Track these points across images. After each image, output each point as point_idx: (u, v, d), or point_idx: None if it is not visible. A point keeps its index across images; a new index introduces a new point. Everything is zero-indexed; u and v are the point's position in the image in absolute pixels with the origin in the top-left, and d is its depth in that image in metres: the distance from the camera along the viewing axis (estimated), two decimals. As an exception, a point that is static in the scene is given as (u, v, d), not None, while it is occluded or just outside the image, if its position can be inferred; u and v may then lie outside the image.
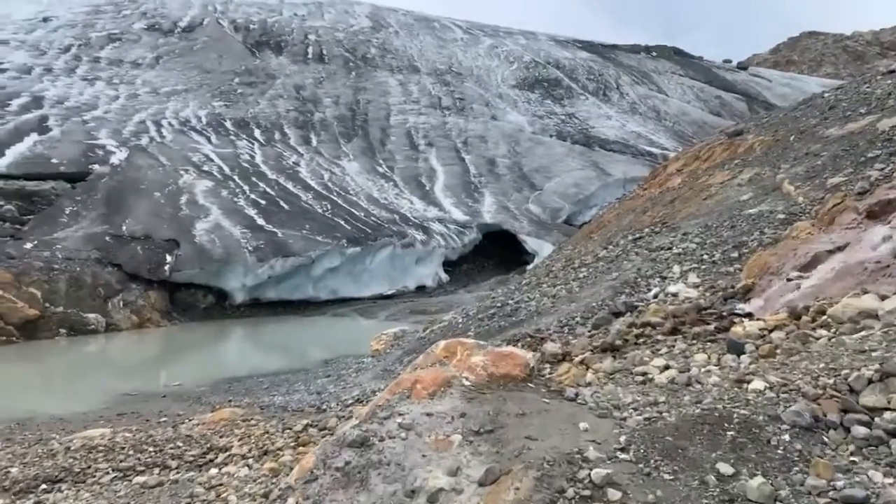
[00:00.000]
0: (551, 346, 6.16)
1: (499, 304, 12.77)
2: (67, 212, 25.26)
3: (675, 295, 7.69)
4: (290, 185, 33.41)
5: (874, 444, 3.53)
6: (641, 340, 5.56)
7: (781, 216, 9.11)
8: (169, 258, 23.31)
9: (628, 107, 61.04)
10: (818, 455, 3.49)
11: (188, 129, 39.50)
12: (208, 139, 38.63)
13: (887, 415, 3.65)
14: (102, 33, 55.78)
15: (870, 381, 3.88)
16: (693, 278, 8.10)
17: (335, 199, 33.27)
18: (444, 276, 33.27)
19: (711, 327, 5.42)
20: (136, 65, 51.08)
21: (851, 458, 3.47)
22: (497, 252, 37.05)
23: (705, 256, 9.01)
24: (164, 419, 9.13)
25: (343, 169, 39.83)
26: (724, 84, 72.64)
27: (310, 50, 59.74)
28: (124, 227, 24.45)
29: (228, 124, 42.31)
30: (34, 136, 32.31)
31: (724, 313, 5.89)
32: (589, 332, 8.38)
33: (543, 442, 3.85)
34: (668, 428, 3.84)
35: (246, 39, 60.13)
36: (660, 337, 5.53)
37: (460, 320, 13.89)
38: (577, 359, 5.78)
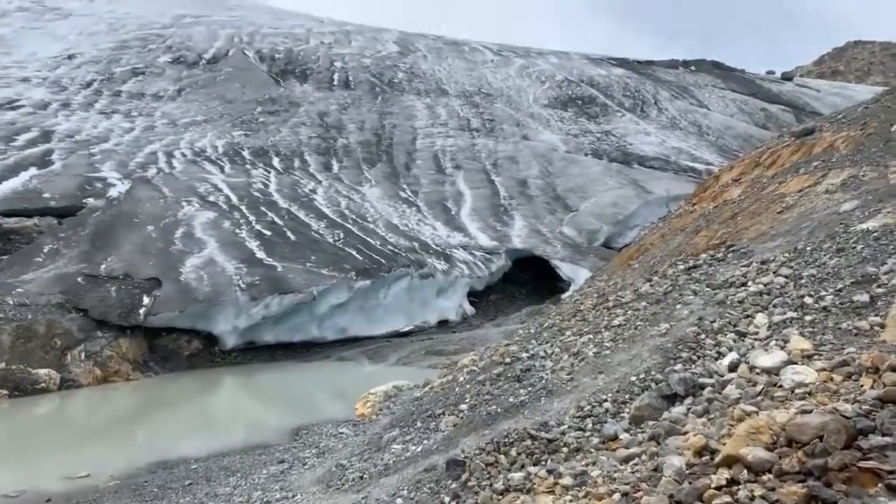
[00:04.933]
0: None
1: (508, 361, 9.67)
2: (46, 250, 22.89)
3: (771, 373, 4.49)
4: (301, 214, 30.79)
5: None
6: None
7: (929, 232, 5.87)
8: (146, 300, 20.60)
9: (668, 122, 57.51)
10: None
11: (201, 160, 37.42)
12: (221, 168, 36.46)
13: None
14: (126, 68, 54.92)
15: None
16: (798, 340, 4.87)
17: (349, 226, 30.52)
18: (470, 309, 30.05)
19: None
20: (157, 97, 49.83)
21: None
22: (529, 280, 33.78)
23: (808, 299, 5.75)
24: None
25: (363, 195, 37.18)
26: (768, 96, 68.53)
27: (335, 76, 58.00)
28: (103, 267, 21.89)
29: (246, 153, 40.19)
30: (33, 171, 30.46)
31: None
32: (626, 428, 5.20)
33: None
34: None
35: (271, 69, 58.89)
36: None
37: (462, 378, 10.82)
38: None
